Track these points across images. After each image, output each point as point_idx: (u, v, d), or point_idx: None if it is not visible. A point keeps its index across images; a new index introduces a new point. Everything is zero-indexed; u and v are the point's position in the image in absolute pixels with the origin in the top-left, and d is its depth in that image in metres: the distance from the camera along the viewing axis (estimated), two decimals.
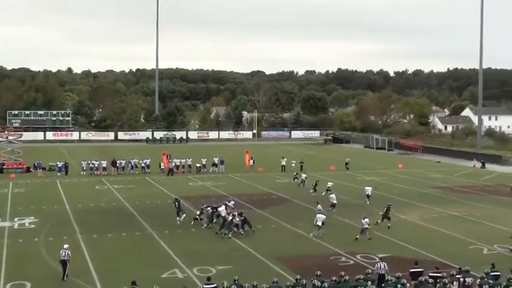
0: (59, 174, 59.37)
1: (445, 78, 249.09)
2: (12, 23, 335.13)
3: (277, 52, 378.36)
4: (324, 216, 34.26)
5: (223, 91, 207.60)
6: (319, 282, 21.55)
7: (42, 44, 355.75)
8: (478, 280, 22.26)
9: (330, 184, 47.34)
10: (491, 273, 22.92)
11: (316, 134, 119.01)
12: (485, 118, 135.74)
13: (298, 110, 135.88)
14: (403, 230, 35.58)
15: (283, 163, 65.01)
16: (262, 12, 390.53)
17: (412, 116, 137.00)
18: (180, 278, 25.90)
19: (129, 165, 62.09)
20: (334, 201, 40.74)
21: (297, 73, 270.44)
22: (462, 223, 38.40)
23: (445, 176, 62.54)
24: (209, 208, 36.40)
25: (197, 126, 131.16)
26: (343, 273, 22.32)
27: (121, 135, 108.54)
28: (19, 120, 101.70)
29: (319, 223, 33.59)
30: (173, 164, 61.95)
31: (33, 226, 36.32)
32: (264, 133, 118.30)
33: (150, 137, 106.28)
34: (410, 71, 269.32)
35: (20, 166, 61.78)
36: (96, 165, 61.22)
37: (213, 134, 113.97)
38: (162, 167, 62.19)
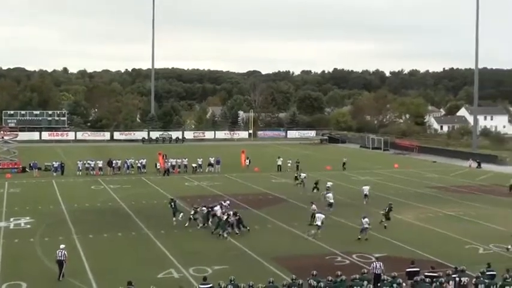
0: (54, 174, 59.32)
1: (441, 78, 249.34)
2: (8, 22, 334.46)
3: (273, 52, 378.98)
4: (323, 216, 34.30)
5: (219, 91, 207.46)
6: (315, 282, 21.56)
7: (38, 44, 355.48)
8: (474, 279, 22.29)
9: (329, 184, 47.27)
10: (487, 273, 22.94)
11: (312, 133, 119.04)
12: (480, 118, 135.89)
13: (294, 109, 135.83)
14: (399, 230, 35.61)
15: (279, 163, 65.02)
16: (259, 12, 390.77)
17: (407, 115, 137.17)
18: (176, 278, 25.88)
19: (125, 165, 62.03)
20: (331, 201, 40.76)
21: (293, 73, 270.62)
22: (458, 223, 38.47)
23: (441, 175, 62.63)
24: (204, 208, 36.41)
25: (193, 126, 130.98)
26: (339, 272, 22.34)
27: (117, 135, 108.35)
28: (15, 120, 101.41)
29: (319, 223, 33.61)
30: (169, 164, 61.92)
31: (28, 226, 36.27)
32: (260, 133, 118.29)
33: (146, 137, 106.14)
34: (406, 71, 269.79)
35: (15, 166, 61.67)
36: (92, 165, 61.19)
37: (209, 134, 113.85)
38: (158, 167, 62.14)
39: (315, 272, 22.26)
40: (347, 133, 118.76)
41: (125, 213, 40.82)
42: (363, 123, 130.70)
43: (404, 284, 22.12)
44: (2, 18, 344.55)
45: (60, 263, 25.54)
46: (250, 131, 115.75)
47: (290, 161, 65.64)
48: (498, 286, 21.79)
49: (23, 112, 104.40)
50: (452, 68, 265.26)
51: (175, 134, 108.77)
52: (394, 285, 21.56)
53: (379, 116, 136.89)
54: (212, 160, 64.46)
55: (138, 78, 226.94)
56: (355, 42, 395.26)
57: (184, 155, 68.25)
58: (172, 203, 37.50)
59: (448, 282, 21.94)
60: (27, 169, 61.31)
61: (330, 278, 21.82)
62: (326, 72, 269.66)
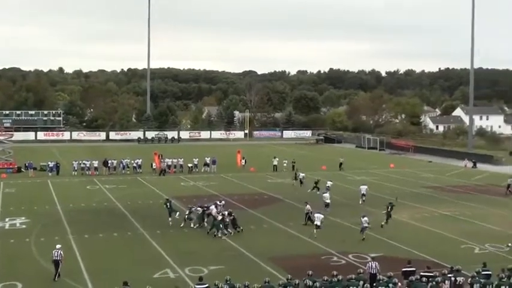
0: (50, 174, 59.22)
1: (437, 78, 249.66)
2: (4, 22, 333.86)
3: (269, 52, 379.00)
4: (322, 216, 34.31)
5: (215, 91, 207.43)
6: (311, 282, 21.55)
7: (34, 44, 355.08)
8: (469, 279, 22.33)
9: (329, 183, 47.27)
10: (483, 272, 22.97)
11: (307, 133, 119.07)
12: (476, 118, 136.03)
13: (290, 109, 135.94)
14: (394, 230, 35.62)
15: (275, 163, 65.02)
16: (255, 12, 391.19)
17: (403, 115, 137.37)
18: (171, 278, 25.86)
19: (121, 165, 61.95)
20: (328, 201, 40.72)
21: (288, 73, 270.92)
22: (454, 222, 38.51)
23: (437, 175, 62.70)
24: (199, 208, 36.39)
25: (189, 126, 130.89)
26: (335, 272, 22.34)
27: (112, 135, 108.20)
28: (10, 120, 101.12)
29: (318, 222, 33.62)
30: (165, 164, 61.86)
31: (24, 226, 36.19)
32: (255, 133, 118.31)
33: (142, 137, 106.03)
34: (401, 71, 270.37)
35: (11, 166, 61.54)
36: (88, 165, 61.07)
37: (204, 134, 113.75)
38: (154, 167, 62.08)
39: (310, 272, 22.25)
40: (343, 133, 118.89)
41: (121, 213, 40.76)
42: (359, 123, 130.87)
43: (400, 284, 22.13)
44: None
45: (56, 263, 25.50)
46: (246, 131, 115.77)
47: (286, 161, 65.64)
48: (494, 286, 21.82)
49: (18, 112, 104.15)
50: (448, 68, 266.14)
51: (171, 134, 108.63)
52: (390, 285, 21.57)
53: (375, 116, 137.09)
54: (208, 160, 64.42)
55: (133, 78, 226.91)
56: (351, 42, 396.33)
57: (180, 155, 68.13)
58: (168, 203, 37.48)
59: (444, 282, 21.97)
60: (22, 169, 61.16)
61: (325, 278, 21.82)
62: (322, 72, 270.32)
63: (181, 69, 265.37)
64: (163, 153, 67.44)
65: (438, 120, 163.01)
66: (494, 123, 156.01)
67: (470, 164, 72.05)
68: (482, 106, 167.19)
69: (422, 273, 22.79)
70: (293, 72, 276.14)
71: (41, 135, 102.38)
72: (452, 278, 22.33)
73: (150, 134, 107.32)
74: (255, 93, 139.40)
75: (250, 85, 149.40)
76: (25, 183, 54.69)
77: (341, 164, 66.19)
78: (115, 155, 69.33)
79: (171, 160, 63.44)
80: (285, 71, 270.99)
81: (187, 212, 36.45)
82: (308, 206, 37.18)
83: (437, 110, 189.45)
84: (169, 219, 36.45)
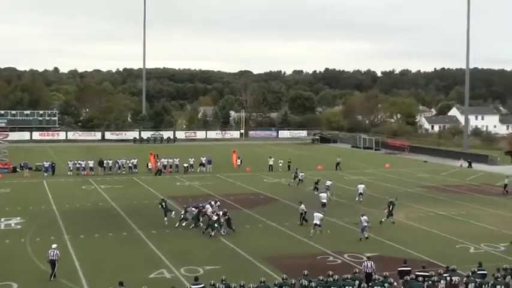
0: (45, 174, 59.09)
1: (432, 78, 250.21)
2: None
3: (265, 52, 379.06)
4: (321, 215, 34.28)
5: (210, 91, 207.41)
6: (306, 282, 21.56)
7: (29, 44, 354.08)
8: (465, 279, 22.36)
9: (329, 183, 47.29)
10: (478, 272, 23.00)
11: (303, 133, 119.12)
12: (471, 118, 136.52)
13: (286, 109, 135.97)
14: (390, 229, 35.67)
15: (271, 163, 65.02)
16: (252, 12, 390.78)
17: (399, 115, 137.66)
18: (167, 278, 25.83)
19: (116, 165, 61.88)
20: (324, 201, 40.71)
21: (284, 73, 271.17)
22: (449, 222, 38.57)
23: (432, 175, 62.80)
24: (194, 208, 36.39)
25: (184, 126, 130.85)
26: (331, 272, 22.34)
27: (108, 135, 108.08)
28: (5, 120, 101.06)
29: (317, 221, 33.63)
30: (160, 164, 61.79)
31: (19, 227, 36.10)
32: (251, 133, 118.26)
33: (138, 137, 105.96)
34: (397, 71, 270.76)
35: (6, 166, 61.40)
36: (83, 165, 60.97)
37: (200, 134, 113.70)
38: (150, 167, 62.03)
39: (306, 272, 22.25)
40: (338, 133, 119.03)
41: (116, 213, 40.70)
42: (355, 123, 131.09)
43: (395, 284, 22.14)
44: None
45: (53, 263, 25.47)
46: (242, 131, 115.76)
47: (281, 161, 65.68)
48: (489, 285, 21.85)
49: (13, 112, 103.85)
50: (444, 68, 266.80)
51: (166, 134, 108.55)
52: (386, 284, 21.59)
53: (371, 115, 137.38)
54: (204, 160, 64.43)
55: (129, 78, 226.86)
56: (346, 42, 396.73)
57: (176, 155, 68.11)
58: (163, 203, 37.48)
59: (440, 281, 22.00)
60: (18, 169, 61.01)
61: (321, 278, 21.83)
62: (318, 72, 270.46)
63: (177, 69, 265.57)
64: (159, 153, 67.34)
65: (434, 120, 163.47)
66: (489, 123, 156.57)
67: (465, 164, 72.16)
68: (477, 106, 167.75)
69: (417, 273, 22.82)
70: (289, 72, 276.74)
71: (36, 135, 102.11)
72: (448, 278, 22.35)
73: (146, 134, 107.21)
74: (250, 93, 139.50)
75: (246, 85, 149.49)
76: (20, 183, 54.58)
77: (338, 163, 66.17)
78: (110, 155, 69.19)
79: (166, 160, 63.40)
80: (280, 71, 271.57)
81: (182, 212, 36.46)
82: (302, 206, 37.16)
83: (432, 110, 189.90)
84: (165, 219, 36.43)
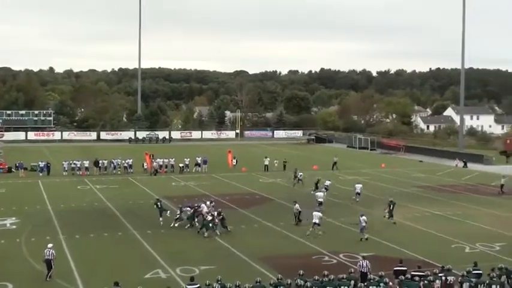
0: (40, 174, 58.96)
1: (427, 78, 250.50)
2: None
3: (261, 52, 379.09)
4: (320, 214, 34.28)
5: (206, 91, 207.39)
6: (302, 282, 21.55)
7: (24, 43, 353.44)
8: (460, 278, 22.38)
9: (328, 183, 47.29)
10: (473, 272, 23.03)
11: (299, 133, 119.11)
12: (467, 118, 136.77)
13: (281, 109, 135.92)
14: (386, 229, 35.70)
15: (266, 163, 65.01)
16: (248, 12, 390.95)
17: (394, 115, 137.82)
18: (163, 278, 25.80)
19: (112, 165, 61.77)
20: (320, 200, 40.67)
21: (280, 73, 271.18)
22: (445, 222, 38.61)
23: (428, 175, 62.87)
24: (188, 208, 36.36)
25: (180, 126, 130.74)
26: (326, 272, 22.34)
27: (103, 135, 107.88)
28: (0, 120, 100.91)
29: (316, 220, 33.62)
30: (156, 164, 61.69)
31: (14, 227, 36.01)
32: (247, 133, 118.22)
33: (133, 137, 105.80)
34: (392, 71, 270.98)
35: (1, 166, 61.28)
36: (78, 165, 60.91)
37: (196, 134, 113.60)
38: (145, 167, 61.94)
39: (301, 272, 22.25)
40: (334, 133, 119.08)
41: (112, 213, 40.64)
42: (350, 123, 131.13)
43: (391, 283, 22.14)
44: None
45: (48, 263, 25.42)
46: (237, 131, 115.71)
47: (277, 161, 65.68)
48: (485, 285, 21.87)
49: (8, 112, 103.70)
50: (439, 68, 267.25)
51: (162, 134, 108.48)
52: (381, 284, 21.59)
53: (366, 115, 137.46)
54: (199, 160, 64.38)
55: (124, 78, 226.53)
56: (342, 42, 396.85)
57: (171, 155, 68.07)
58: (158, 203, 37.44)
59: (435, 281, 22.01)
60: (13, 169, 60.91)
61: (316, 278, 21.82)
62: (313, 72, 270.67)
63: (172, 69, 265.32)
64: (155, 153, 67.26)
65: (429, 120, 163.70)
66: (484, 123, 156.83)
67: (461, 164, 72.29)
68: (472, 106, 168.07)
69: (412, 273, 22.82)
70: (284, 72, 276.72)
71: (31, 135, 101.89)
72: (443, 277, 22.37)
73: (141, 134, 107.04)
74: (246, 93, 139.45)
75: (241, 85, 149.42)
76: (16, 183, 54.45)
77: (335, 163, 66.14)
78: (106, 155, 69.07)
79: (162, 160, 63.34)
80: (276, 71, 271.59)
81: (178, 212, 36.43)
82: (297, 206, 37.17)
83: (428, 109, 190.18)
84: (160, 219, 36.39)
